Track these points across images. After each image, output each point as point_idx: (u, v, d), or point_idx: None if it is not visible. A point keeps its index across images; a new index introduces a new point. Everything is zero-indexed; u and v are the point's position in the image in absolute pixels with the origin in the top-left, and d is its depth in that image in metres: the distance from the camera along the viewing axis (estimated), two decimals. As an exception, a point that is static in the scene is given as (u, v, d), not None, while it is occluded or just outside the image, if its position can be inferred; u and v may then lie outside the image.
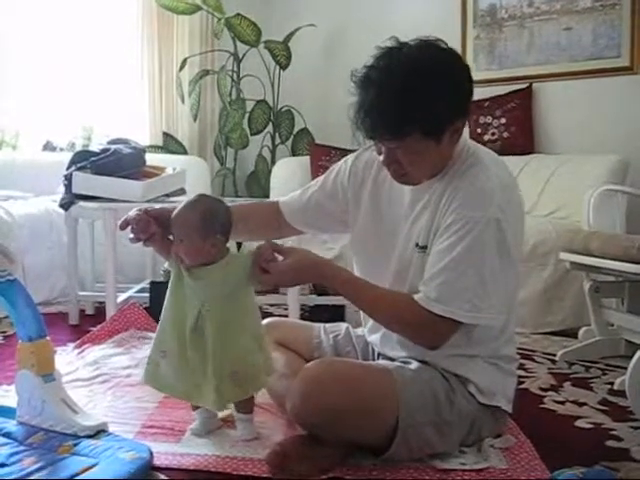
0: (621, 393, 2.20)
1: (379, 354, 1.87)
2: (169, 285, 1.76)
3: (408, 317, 1.59)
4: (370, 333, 1.89)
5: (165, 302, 1.75)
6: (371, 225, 1.81)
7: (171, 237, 1.75)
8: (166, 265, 3.10)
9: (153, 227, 1.73)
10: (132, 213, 1.74)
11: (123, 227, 1.74)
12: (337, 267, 1.71)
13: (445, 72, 1.53)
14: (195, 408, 1.82)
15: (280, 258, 1.68)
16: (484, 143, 3.90)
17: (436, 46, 1.57)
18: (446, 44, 1.58)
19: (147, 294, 3.27)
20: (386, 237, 1.75)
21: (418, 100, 1.49)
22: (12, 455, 1.61)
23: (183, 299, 1.72)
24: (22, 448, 1.65)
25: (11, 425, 1.76)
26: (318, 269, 1.68)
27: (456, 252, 1.54)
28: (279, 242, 1.74)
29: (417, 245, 1.66)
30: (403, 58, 1.52)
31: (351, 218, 1.87)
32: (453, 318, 1.54)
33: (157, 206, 1.80)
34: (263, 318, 2.05)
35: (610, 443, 1.85)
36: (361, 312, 1.81)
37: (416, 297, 1.57)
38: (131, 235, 1.74)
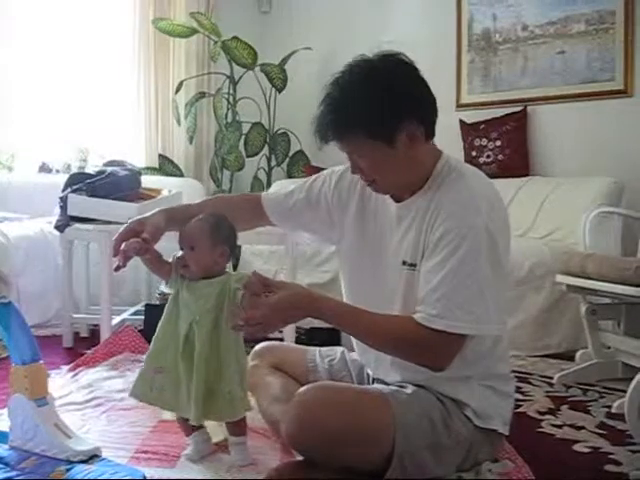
0: (619, 416, 2.19)
1: (374, 379, 1.85)
2: (167, 304, 1.78)
3: (411, 339, 1.55)
4: (362, 358, 1.88)
5: (162, 319, 1.77)
6: (357, 243, 1.80)
7: (170, 259, 1.76)
8: (162, 287, 3.10)
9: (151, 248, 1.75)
10: (133, 244, 1.69)
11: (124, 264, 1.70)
12: (330, 300, 1.64)
13: (388, 76, 1.56)
14: (188, 434, 1.80)
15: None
16: (480, 165, 3.92)
17: (391, 58, 1.60)
18: (407, 57, 1.61)
19: (142, 317, 3.26)
20: (373, 254, 1.75)
21: (356, 101, 1.54)
22: (4, 480, 1.59)
23: (179, 316, 1.74)
24: (14, 473, 1.62)
25: (3, 449, 1.74)
26: (313, 304, 1.61)
27: (450, 265, 1.52)
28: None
29: (404, 263, 1.65)
30: (355, 69, 1.59)
31: (336, 234, 1.86)
32: (457, 332, 1.51)
33: (148, 226, 1.76)
34: (258, 342, 2.04)
35: (609, 467, 1.84)
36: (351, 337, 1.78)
37: (416, 317, 1.54)
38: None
